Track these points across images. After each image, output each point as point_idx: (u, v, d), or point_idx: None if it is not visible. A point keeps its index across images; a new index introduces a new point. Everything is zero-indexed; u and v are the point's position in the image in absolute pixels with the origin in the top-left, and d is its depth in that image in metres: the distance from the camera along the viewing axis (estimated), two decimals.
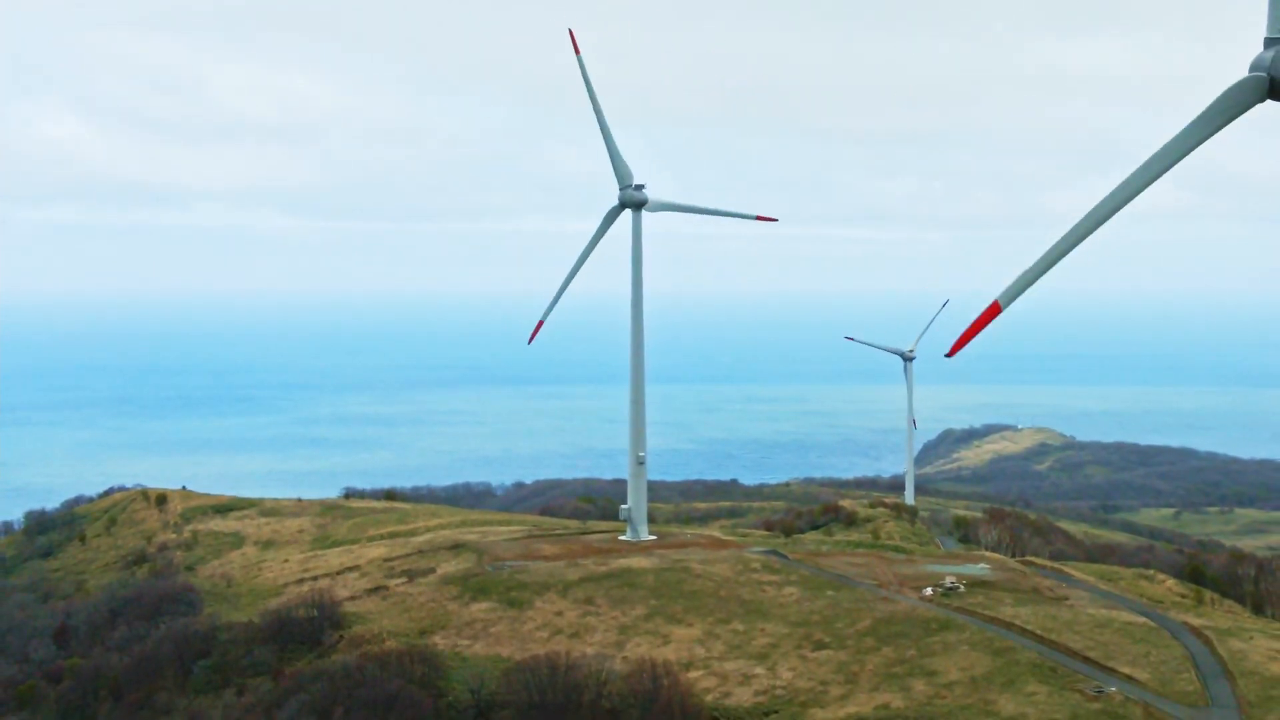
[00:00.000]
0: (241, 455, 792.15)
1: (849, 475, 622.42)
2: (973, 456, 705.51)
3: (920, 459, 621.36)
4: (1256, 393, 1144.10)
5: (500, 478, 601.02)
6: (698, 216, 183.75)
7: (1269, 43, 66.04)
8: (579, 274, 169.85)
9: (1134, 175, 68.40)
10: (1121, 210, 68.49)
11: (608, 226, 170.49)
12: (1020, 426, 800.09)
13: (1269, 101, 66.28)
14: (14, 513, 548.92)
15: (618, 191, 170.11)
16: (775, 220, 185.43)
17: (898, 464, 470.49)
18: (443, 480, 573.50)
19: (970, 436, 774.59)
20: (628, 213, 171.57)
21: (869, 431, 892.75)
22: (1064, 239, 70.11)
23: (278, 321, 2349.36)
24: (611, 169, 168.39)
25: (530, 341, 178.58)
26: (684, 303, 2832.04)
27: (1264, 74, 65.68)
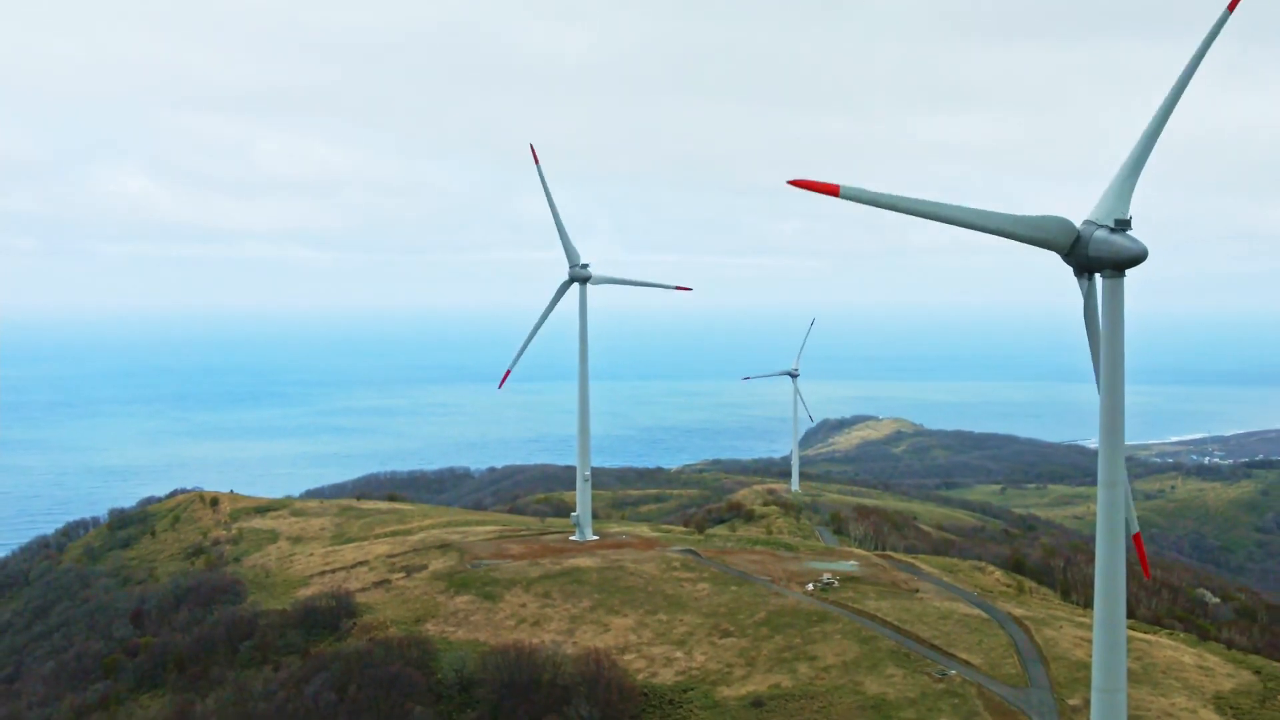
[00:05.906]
0: (276, 440, 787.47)
1: (750, 457, 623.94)
2: (844, 441, 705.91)
3: (803, 442, 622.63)
4: (1064, 387, 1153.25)
5: (478, 461, 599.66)
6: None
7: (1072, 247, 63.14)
8: (537, 336, 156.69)
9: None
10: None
11: (559, 297, 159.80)
12: (881, 417, 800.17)
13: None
14: (98, 487, 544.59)
15: (568, 269, 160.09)
16: (690, 290, 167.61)
17: (788, 447, 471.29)
18: (433, 463, 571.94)
19: (842, 425, 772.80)
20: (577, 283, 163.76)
21: (766, 420, 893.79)
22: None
23: (304, 332, 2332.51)
24: (563, 252, 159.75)
25: (500, 386, 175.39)
26: (623, 314, 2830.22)
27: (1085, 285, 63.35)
